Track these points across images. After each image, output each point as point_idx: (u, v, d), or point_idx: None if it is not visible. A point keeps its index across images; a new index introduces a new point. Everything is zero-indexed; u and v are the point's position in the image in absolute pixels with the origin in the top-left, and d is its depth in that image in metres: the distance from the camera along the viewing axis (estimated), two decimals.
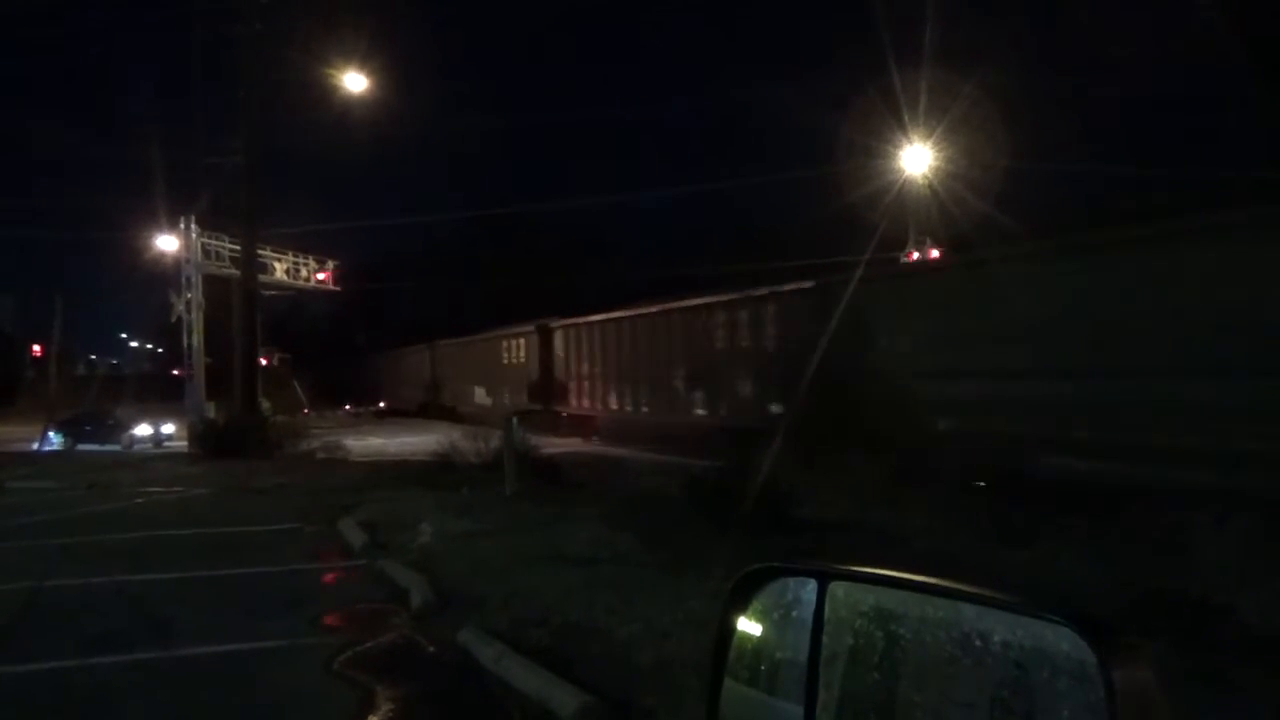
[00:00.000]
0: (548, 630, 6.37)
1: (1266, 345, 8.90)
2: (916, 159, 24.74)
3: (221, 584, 9.04)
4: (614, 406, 26.00)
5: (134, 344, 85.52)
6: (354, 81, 24.20)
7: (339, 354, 58.63)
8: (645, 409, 24.08)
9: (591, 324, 27.66)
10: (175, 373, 40.00)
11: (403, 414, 43.84)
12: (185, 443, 25.62)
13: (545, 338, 31.02)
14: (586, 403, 28.01)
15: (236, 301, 25.30)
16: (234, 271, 26.36)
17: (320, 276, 35.07)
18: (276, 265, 31.79)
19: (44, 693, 5.99)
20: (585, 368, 28.14)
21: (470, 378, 39.15)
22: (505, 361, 34.98)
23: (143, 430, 30.84)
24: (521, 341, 33.52)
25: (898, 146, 24.86)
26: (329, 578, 9.53)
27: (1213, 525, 6.57)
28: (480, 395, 37.47)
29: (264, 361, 30.13)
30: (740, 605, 1.78)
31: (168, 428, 30.65)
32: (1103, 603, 5.66)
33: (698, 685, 4.36)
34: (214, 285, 27.93)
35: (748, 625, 1.77)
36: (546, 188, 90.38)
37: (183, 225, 27.29)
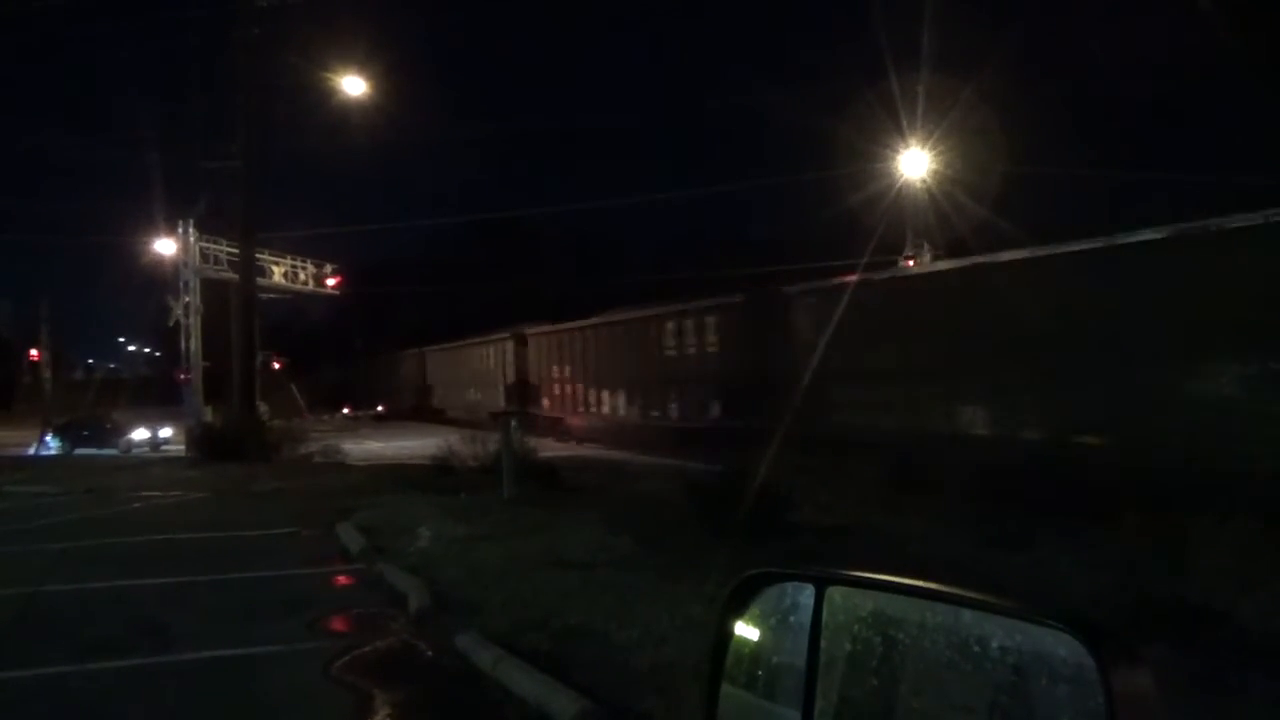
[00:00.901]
0: (546, 634, 6.36)
1: None
2: (914, 163, 24.77)
3: (219, 588, 9.03)
4: (982, 431, 13.79)
5: (132, 348, 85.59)
6: (352, 85, 24.19)
7: (337, 358, 58.60)
8: (1087, 440, 11.74)
9: (904, 281, 17.77)
10: (174, 377, 39.89)
11: (471, 425, 27.72)
12: (183, 447, 25.67)
13: (766, 310, 19.89)
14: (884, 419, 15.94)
15: (235, 305, 25.29)
16: (232, 275, 26.36)
17: (320, 280, 35.04)
18: (275, 269, 31.76)
19: (41, 698, 5.98)
20: (879, 358, 16.08)
21: (593, 377, 28.11)
22: (668, 353, 23.99)
23: (140, 434, 30.86)
24: (710, 321, 21.96)
25: (895, 151, 24.92)
26: (327, 582, 9.51)
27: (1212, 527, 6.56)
28: (614, 404, 26.98)
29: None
30: (738, 610, 1.77)
31: (165, 431, 30.66)
32: (1101, 607, 5.66)
33: (696, 690, 4.34)
34: (212, 289, 27.91)
35: (745, 630, 1.77)
36: (545, 191, 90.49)
37: (181, 229, 27.27)
